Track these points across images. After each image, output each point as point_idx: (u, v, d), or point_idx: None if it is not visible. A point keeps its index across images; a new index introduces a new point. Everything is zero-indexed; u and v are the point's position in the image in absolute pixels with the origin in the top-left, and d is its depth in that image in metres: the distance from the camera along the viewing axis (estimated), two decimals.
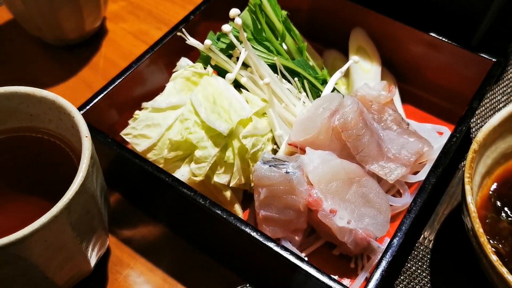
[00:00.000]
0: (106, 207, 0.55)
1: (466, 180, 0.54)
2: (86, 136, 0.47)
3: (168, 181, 0.53)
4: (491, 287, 0.53)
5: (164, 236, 0.63)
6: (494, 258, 0.49)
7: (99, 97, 0.61)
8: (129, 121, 0.62)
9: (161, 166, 0.58)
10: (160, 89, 0.67)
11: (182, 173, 0.58)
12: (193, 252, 0.61)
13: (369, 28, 0.72)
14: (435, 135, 0.68)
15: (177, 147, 0.58)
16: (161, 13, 0.91)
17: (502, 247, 0.56)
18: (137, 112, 0.62)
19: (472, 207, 0.52)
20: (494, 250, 0.50)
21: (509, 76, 0.79)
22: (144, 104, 0.63)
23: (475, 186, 0.58)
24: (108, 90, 0.62)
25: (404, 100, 0.73)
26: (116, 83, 0.62)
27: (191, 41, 0.63)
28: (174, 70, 0.65)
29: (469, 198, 0.52)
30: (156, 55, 0.66)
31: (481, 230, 0.50)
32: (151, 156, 0.58)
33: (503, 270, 0.48)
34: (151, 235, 0.64)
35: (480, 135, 0.57)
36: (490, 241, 0.56)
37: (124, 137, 0.60)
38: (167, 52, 0.67)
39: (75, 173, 0.46)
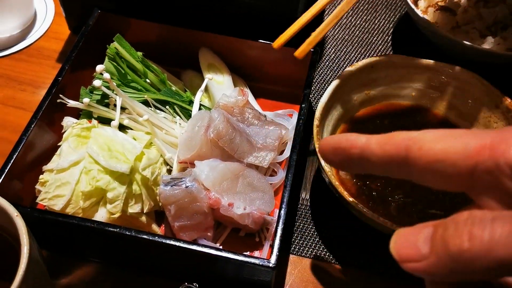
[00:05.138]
0: (45, 266, 0.63)
1: (317, 149, 0.72)
2: (17, 215, 0.56)
3: (95, 226, 0.63)
4: (355, 217, 0.72)
5: (100, 270, 0.72)
6: (349, 198, 0.67)
7: (2, 176, 0.67)
8: (37, 186, 0.70)
9: (80, 215, 0.68)
10: (51, 148, 0.75)
11: (102, 215, 0.68)
12: (130, 275, 0.72)
13: (213, 46, 0.86)
14: (287, 118, 0.85)
15: (90, 195, 0.67)
16: (18, 75, 0.95)
17: (349, 187, 0.76)
18: (41, 176, 0.70)
19: (326, 168, 0.70)
20: (347, 193, 0.69)
21: (330, 57, 1.00)
22: (46, 167, 0.71)
23: None
24: (9, 166, 0.68)
25: (256, 95, 0.89)
26: (14, 158, 0.69)
27: (72, 103, 0.72)
28: (63, 131, 0.73)
29: (322, 162, 0.70)
30: (41, 121, 0.73)
31: (336, 182, 0.69)
32: (69, 210, 0.67)
33: (357, 203, 0.67)
34: (87, 274, 0.73)
35: (317, 113, 0.75)
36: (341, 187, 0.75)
37: (41, 202, 0.68)
38: (48, 115, 0.75)
39: (13, 249, 0.54)
